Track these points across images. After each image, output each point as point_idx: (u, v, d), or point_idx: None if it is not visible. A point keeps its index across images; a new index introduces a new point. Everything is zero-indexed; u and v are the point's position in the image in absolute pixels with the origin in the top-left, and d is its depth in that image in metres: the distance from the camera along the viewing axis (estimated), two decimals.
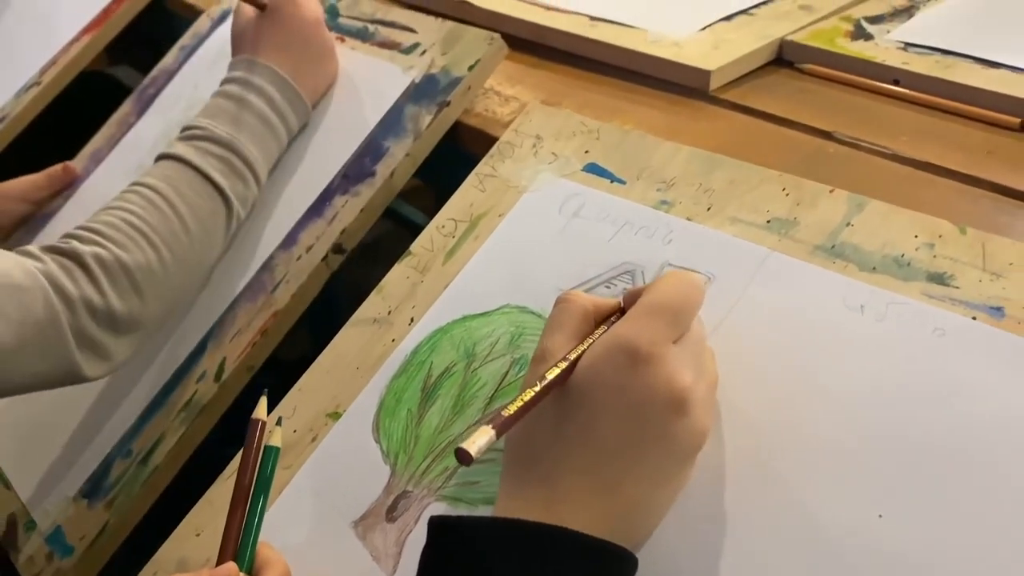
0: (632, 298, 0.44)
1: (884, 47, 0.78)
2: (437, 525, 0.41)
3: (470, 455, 0.36)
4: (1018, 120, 0.68)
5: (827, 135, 0.69)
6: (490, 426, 0.38)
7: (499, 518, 0.41)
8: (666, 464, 0.42)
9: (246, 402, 0.55)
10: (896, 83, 0.75)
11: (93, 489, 0.71)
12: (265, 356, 0.71)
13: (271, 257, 0.74)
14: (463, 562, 0.39)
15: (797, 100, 0.75)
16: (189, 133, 0.73)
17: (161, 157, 0.73)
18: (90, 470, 0.72)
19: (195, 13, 1.08)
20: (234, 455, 0.54)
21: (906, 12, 0.84)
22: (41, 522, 0.72)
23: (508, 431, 0.40)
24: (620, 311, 0.45)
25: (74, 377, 0.65)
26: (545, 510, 0.40)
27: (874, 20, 0.83)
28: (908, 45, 0.78)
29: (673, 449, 0.41)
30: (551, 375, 0.41)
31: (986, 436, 0.40)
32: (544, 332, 0.45)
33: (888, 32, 0.81)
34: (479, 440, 0.37)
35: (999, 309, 0.44)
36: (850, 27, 0.82)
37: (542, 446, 0.42)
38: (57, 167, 0.92)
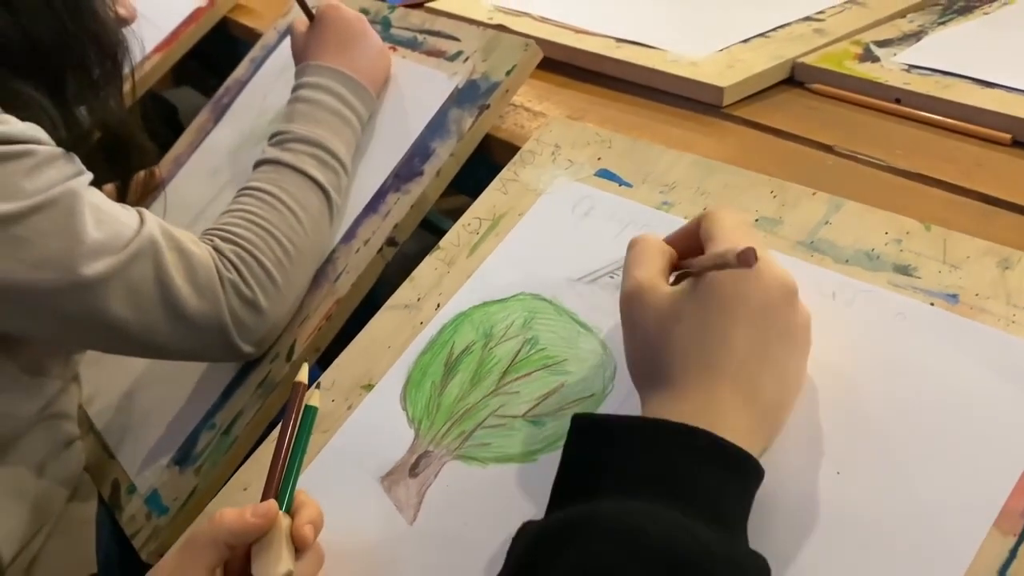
0: (690, 234, 0.49)
1: (889, 68, 0.83)
2: (582, 423, 0.44)
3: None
4: (1009, 136, 0.73)
5: (828, 148, 0.75)
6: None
7: (643, 418, 0.44)
8: (791, 360, 0.46)
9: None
10: (897, 101, 0.80)
11: (183, 457, 0.79)
12: (329, 339, 0.78)
13: (333, 250, 0.82)
14: (606, 456, 0.42)
15: (804, 117, 0.81)
16: (278, 139, 0.83)
17: (259, 163, 0.82)
18: (180, 441, 0.80)
19: (255, 35, 1.17)
20: None
21: (914, 36, 0.90)
22: (140, 486, 0.81)
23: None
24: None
25: (230, 349, 0.74)
26: (695, 409, 0.43)
27: (883, 44, 0.89)
28: (912, 67, 0.83)
29: (793, 343, 0.46)
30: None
31: (935, 405, 0.45)
32: (628, 269, 0.48)
33: (895, 55, 0.86)
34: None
35: (954, 296, 0.49)
36: (859, 50, 0.88)
37: (679, 352, 0.44)
38: (142, 173, 1.01)
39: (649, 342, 0.46)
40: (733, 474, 0.42)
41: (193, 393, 0.83)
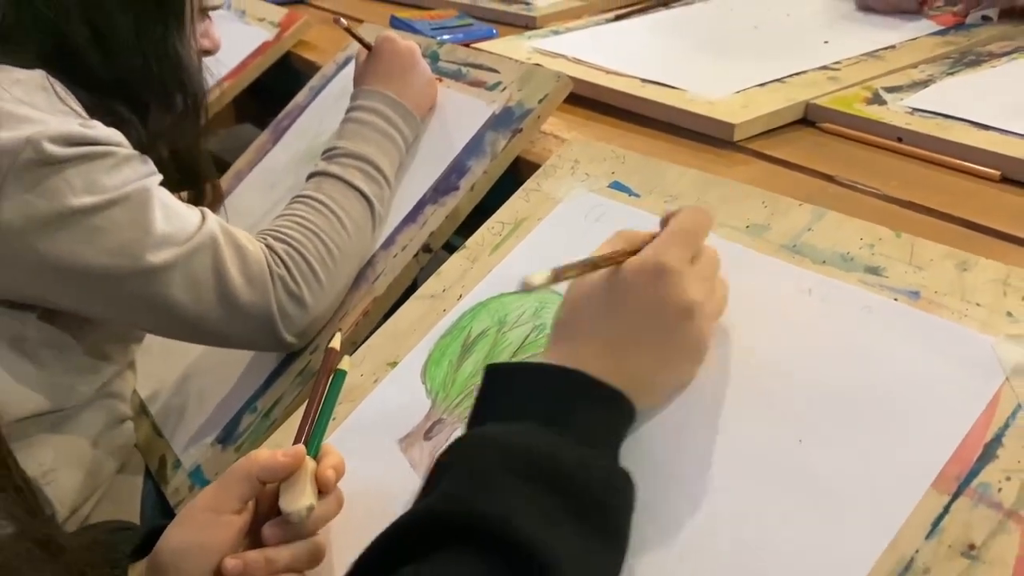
0: (665, 223, 0.57)
1: (894, 111, 0.90)
2: (491, 369, 0.54)
3: (532, 283, 0.50)
4: (998, 172, 0.78)
5: (829, 178, 0.81)
6: (550, 271, 0.51)
7: (534, 363, 0.54)
8: (667, 353, 0.53)
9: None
10: (899, 140, 0.86)
11: (226, 437, 0.87)
12: (365, 334, 0.84)
13: (374, 255, 0.90)
14: (507, 393, 0.52)
15: (811, 152, 0.87)
16: (329, 154, 0.92)
17: (312, 175, 0.91)
18: (224, 422, 0.88)
19: (315, 70, 1.27)
20: None
21: (922, 84, 0.96)
22: (185, 462, 0.88)
23: (564, 294, 0.56)
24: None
25: (274, 338, 0.81)
26: (573, 359, 0.52)
27: (891, 90, 0.95)
28: (916, 110, 0.89)
29: (674, 344, 0.53)
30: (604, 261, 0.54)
31: (891, 384, 0.51)
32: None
33: (901, 100, 0.92)
34: (539, 277, 0.50)
35: (916, 293, 0.54)
36: (869, 94, 0.94)
37: (581, 321, 0.55)
38: (206, 185, 1.10)
39: (567, 307, 0.56)
40: (604, 407, 0.51)
41: (238, 381, 0.91)
